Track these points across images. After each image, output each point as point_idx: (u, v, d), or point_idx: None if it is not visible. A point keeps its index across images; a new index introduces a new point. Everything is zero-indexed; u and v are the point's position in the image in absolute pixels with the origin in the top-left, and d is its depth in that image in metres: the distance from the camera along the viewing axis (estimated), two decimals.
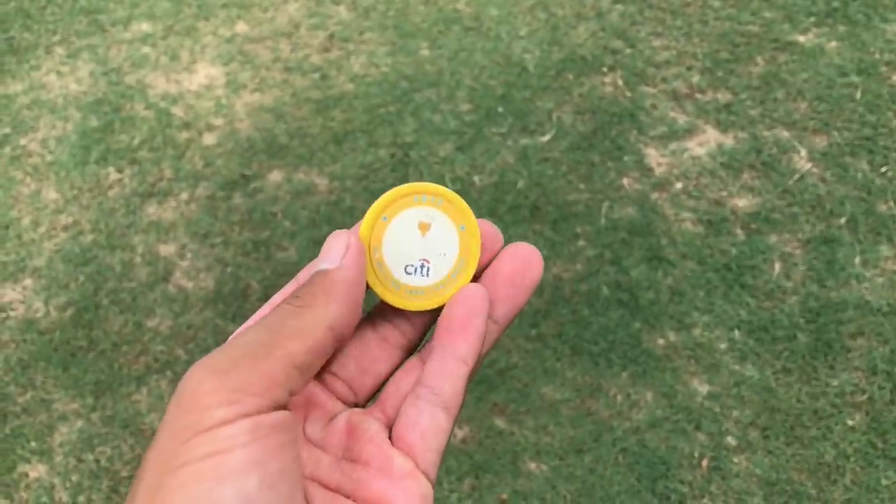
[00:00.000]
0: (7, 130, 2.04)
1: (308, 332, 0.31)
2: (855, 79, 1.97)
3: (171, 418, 0.28)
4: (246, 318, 1.66)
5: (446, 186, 0.40)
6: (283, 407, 0.29)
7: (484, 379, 1.58)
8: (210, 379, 0.28)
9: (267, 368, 0.29)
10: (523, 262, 0.37)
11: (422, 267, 0.38)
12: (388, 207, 0.38)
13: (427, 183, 0.39)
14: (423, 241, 0.38)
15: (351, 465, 0.34)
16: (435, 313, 0.39)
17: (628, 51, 2.09)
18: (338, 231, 0.36)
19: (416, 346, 0.39)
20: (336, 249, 0.34)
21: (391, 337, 0.39)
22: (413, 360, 0.38)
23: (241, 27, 2.22)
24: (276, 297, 0.37)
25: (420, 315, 0.39)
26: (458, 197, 0.38)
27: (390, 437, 0.35)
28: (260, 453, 0.27)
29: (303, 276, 0.37)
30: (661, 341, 1.61)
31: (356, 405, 0.38)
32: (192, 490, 0.26)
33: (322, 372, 0.36)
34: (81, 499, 1.49)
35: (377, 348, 0.38)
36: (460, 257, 0.38)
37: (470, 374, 0.35)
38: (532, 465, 1.49)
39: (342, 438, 0.35)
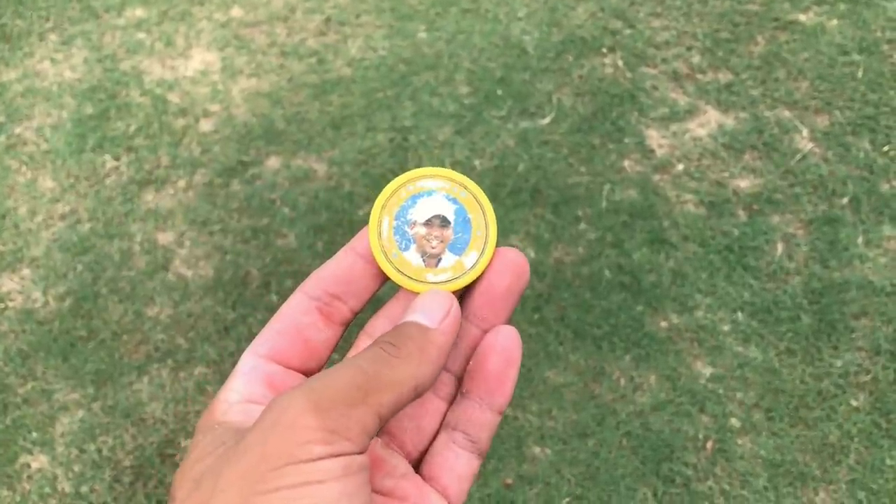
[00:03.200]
0: (1, 119, 2.02)
1: (397, 386, 0.31)
2: (856, 57, 1.95)
3: (260, 441, 0.29)
4: (246, 305, 1.65)
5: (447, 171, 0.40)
6: (364, 451, 0.30)
7: None
8: (310, 415, 0.29)
9: (360, 415, 0.30)
10: (515, 273, 0.37)
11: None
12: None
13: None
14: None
15: (383, 497, 0.35)
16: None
17: (628, 31, 2.07)
18: (440, 290, 0.36)
19: None
20: (437, 309, 0.35)
21: None
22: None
23: (236, 11, 2.19)
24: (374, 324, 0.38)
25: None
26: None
27: (418, 473, 0.36)
28: (350, 488, 0.28)
29: (394, 310, 0.38)
30: (663, 324, 1.60)
31: None
32: None
33: None
34: (84, 489, 1.49)
35: None
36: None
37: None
38: (536, 450, 1.49)
39: None
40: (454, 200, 0.38)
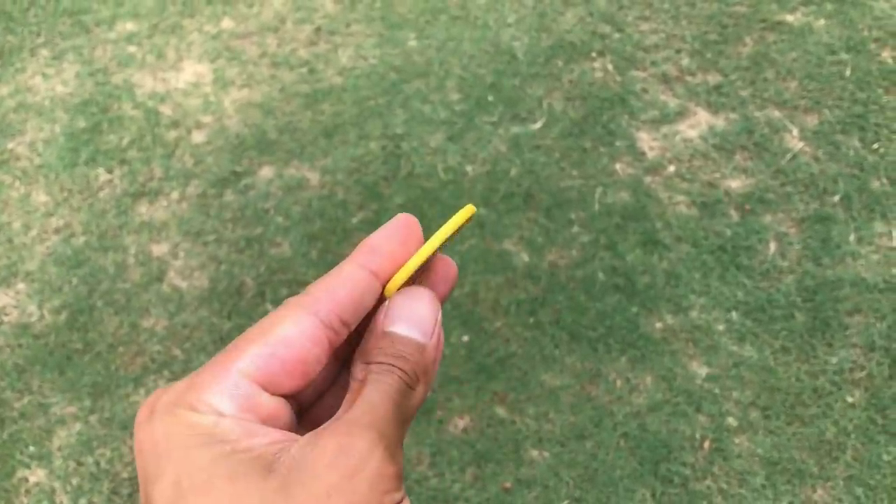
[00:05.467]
0: None
1: (414, 413, 0.31)
2: (844, 56, 1.96)
3: (344, 490, 0.27)
4: (241, 315, 1.65)
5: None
6: None
7: (483, 368, 1.58)
8: (388, 463, 0.28)
9: (399, 446, 0.30)
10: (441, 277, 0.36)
11: None
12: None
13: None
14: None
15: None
16: None
17: (617, 35, 2.08)
18: (425, 290, 0.33)
19: None
20: (428, 319, 0.33)
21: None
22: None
23: (227, 23, 2.20)
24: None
25: None
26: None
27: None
28: None
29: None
30: (658, 325, 1.61)
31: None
32: None
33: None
34: (82, 502, 1.48)
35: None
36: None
37: None
38: (534, 453, 1.49)
39: None
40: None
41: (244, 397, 0.30)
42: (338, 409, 0.31)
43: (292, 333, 0.30)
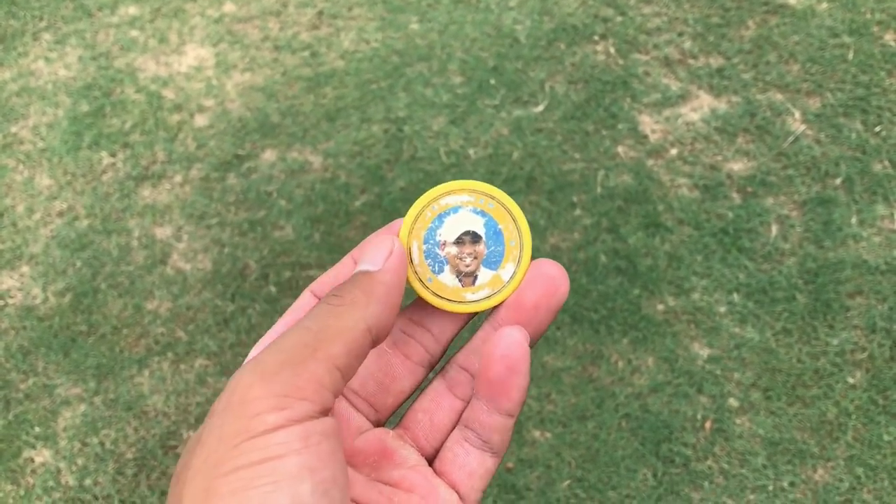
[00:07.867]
0: None
1: (348, 332, 0.31)
2: (847, 39, 1.96)
3: (218, 423, 0.28)
4: (245, 297, 1.65)
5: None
6: (328, 410, 0.29)
7: None
8: (257, 384, 0.28)
9: (312, 371, 0.29)
10: (549, 287, 0.35)
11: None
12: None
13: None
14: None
15: (390, 488, 0.34)
16: (461, 321, 0.37)
17: (619, 18, 2.08)
18: (380, 233, 0.35)
19: (437, 360, 0.38)
20: (378, 252, 0.34)
21: (414, 354, 0.38)
22: (438, 387, 0.37)
23: (229, 7, 2.20)
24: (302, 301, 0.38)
25: (444, 325, 0.37)
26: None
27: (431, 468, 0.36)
28: (312, 460, 0.27)
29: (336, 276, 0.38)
30: (660, 307, 1.61)
31: (378, 422, 0.37)
32: (245, 495, 0.26)
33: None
34: (88, 482, 1.50)
35: (400, 366, 0.37)
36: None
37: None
38: (536, 433, 1.50)
39: (374, 458, 0.35)
40: (482, 213, 0.36)
41: None
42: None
43: (292, 308, 0.37)
